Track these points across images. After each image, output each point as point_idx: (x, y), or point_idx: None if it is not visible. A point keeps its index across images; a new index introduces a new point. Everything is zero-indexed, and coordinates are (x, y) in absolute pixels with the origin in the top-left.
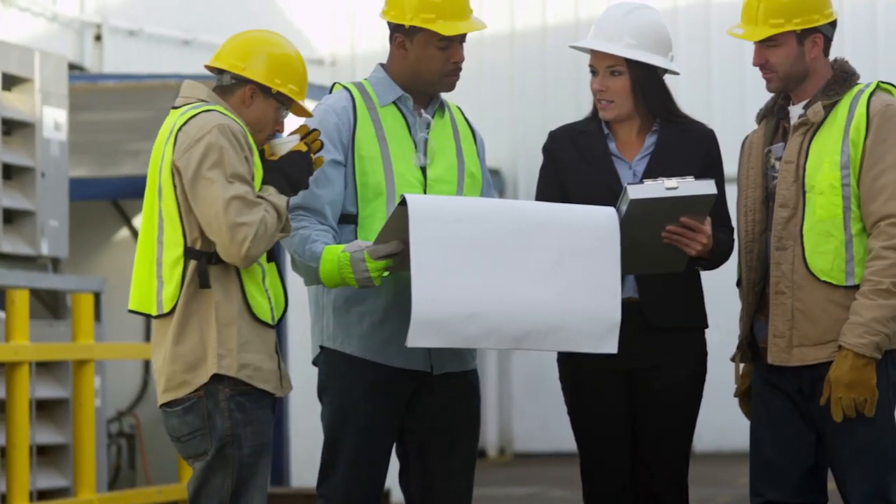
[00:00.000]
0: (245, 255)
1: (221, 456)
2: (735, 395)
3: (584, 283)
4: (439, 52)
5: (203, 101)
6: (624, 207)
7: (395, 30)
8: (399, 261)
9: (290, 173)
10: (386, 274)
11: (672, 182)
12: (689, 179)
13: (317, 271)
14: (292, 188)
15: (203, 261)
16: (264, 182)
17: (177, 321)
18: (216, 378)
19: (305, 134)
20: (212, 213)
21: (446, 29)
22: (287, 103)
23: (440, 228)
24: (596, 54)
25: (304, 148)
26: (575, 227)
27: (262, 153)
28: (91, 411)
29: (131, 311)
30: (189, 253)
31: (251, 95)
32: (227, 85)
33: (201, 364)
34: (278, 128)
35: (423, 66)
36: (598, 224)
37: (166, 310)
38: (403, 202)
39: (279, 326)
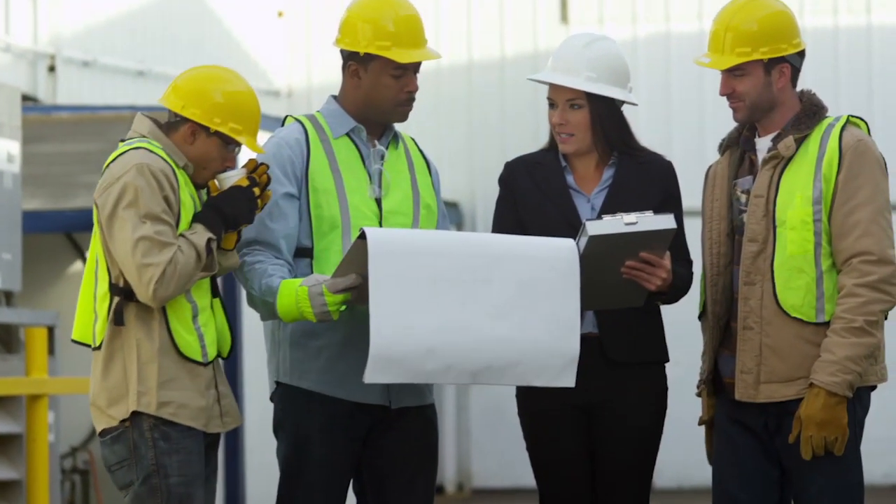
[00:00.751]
0: (153, 296)
1: (148, 486)
2: (699, 423)
3: (543, 316)
4: (393, 80)
5: (144, 136)
6: (583, 243)
7: (349, 58)
8: (357, 294)
9: (223, 209)
10: (344, 308)
11: (631, 217)
12: (648, 214)
13: (274, 306)
14: (228, 224)
15: (121, 298)
16: (195, 219)
17: (103, 355)
18: (139, 412)
19: (253, 168)
20: (123, 253)
21: (401, 57)
22: (231, 142)
23: (399, 262)
24: (555, 87)
25: (245, 182)
26: (534, 260)
27: (208, 189)
28: (45, 447)
29: (74, 342)
30: (112, 289)
31: (192, 133)
32: (173, 122)
33: (123, 400)
34: (228, 164)
35: (377, 94)
36: (558, 256)
37: (98, 342)
38: (362, 235)
39: (233, 361)
